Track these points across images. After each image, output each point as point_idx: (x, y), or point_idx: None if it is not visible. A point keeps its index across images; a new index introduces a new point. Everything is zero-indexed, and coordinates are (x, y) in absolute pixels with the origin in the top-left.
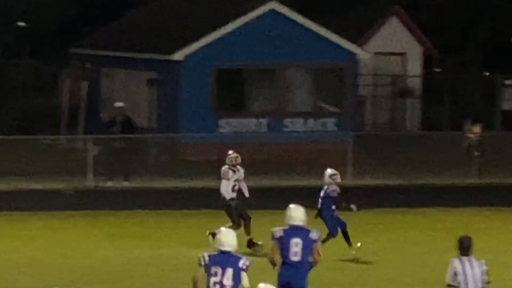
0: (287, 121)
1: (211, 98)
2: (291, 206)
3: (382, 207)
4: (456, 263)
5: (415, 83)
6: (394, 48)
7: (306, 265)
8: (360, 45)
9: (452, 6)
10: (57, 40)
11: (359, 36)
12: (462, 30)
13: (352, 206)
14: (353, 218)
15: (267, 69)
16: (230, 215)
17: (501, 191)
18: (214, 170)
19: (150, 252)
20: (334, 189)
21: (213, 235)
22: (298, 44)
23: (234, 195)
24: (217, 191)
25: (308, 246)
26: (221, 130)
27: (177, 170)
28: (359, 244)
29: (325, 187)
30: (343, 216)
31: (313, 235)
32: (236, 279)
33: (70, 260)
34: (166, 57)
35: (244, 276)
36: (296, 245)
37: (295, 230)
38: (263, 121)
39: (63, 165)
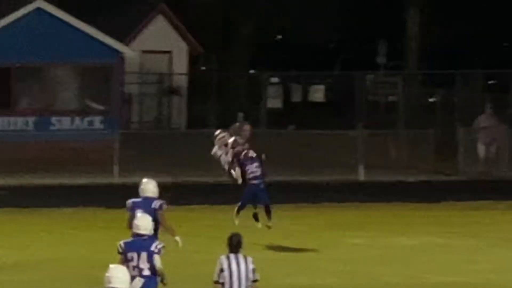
0: (54, 119)
1: None
2: (144, 179)
3: None
4: (223, 260)
5: (182, 82)
6: (160, 46)
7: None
8: (126, 43)
9: (216, 3)
10: None
11: (126, 34)
12: (227, 28)
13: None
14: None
15: (34, 67)
16: None
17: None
18: None
19: None
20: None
21: None
22: (65, 43)
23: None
24: None
25: (149, 215)
26: None
27: None
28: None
29: None
30: None
31: (155, 204)
32: (151, 261)
33: None
34: None
35: (157, 258)
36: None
37: (141, 201)
38: (30, 119)
39: None
